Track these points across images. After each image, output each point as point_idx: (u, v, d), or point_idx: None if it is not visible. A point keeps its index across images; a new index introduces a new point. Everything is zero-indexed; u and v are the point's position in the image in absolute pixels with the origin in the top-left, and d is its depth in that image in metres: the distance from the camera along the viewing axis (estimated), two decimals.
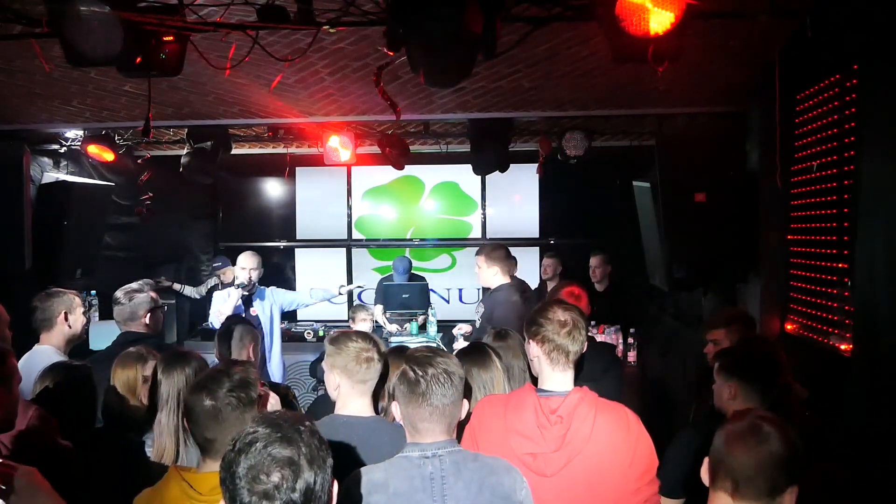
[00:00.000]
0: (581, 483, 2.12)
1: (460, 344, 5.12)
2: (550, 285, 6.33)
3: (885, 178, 2.81)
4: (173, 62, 3.01)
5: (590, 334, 3.62)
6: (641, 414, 2.25)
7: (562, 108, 4.67)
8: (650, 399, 5.06)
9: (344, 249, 8.07)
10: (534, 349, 2.30)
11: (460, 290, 7.91)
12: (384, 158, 5.69)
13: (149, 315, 3.54)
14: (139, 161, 6.34)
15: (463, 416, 2.07)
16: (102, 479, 2.30)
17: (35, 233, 4.95)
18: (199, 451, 1.98)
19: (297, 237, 8.09)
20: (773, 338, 4.06)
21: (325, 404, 2.65)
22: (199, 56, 3.05)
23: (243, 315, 5.39)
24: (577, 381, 2.33)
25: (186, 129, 5.55)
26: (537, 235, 7.81)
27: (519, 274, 6.69)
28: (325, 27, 3.00)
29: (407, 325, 6.19)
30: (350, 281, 7.98)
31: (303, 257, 8.14)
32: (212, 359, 3.18)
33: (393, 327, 6.17)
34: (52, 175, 5.52)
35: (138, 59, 2.86)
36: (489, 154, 5.50)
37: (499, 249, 4.94)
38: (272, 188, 8.11)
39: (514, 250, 7.39)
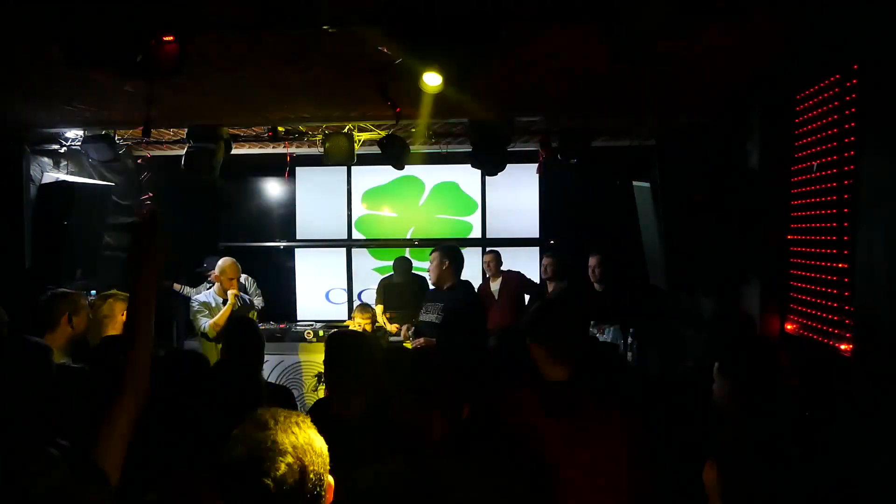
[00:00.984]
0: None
1: None
2: (550, 285, 6.34)
3: (885, 178, 2.81)
4: (173, 62, 3.01)
5: (592, 334, 3.63)
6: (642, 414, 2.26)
7: (562, 108, 4.67)
8: (649, 398, 5.05)
9: (344, 249, 8.07)
10: (534, 349, 2.31)
11: None
12: (384, 158, 5.70)
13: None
14: (139, 161, 6.34)
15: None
16: None
17: (35, 233, 4.96)
18: None
19: (297, 237, 8.09)
20: (774, 338, 4.06)
21: (325, 407, 2.65)
22: (199, 56, 3.05)
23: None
24: (579, 380, 2.34)
25: (186, 129, 5.55)
26: (537, 235, 7.81)
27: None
28: (325, 27, 2.99)
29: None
30: (350, 281, 7.97)
31: (303, 257, 8.14)
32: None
33: (393, 327, 6.17)
34: (52, 175, 5.53)
35: (138, 59, 2.86)
36: (489, 154, 5.50)
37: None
38: (272, 188, 8.12)
39: (514, 250, 7.45)
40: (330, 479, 1.41)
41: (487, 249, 6.89)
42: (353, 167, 7.64)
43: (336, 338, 2.58)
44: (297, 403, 3.46)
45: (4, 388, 2.21)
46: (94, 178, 5.93)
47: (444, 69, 2.70)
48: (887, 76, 2.81)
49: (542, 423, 2.18)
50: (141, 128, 4.21)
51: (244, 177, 7.82)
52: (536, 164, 6.24)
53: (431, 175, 7.81)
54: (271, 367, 6.06)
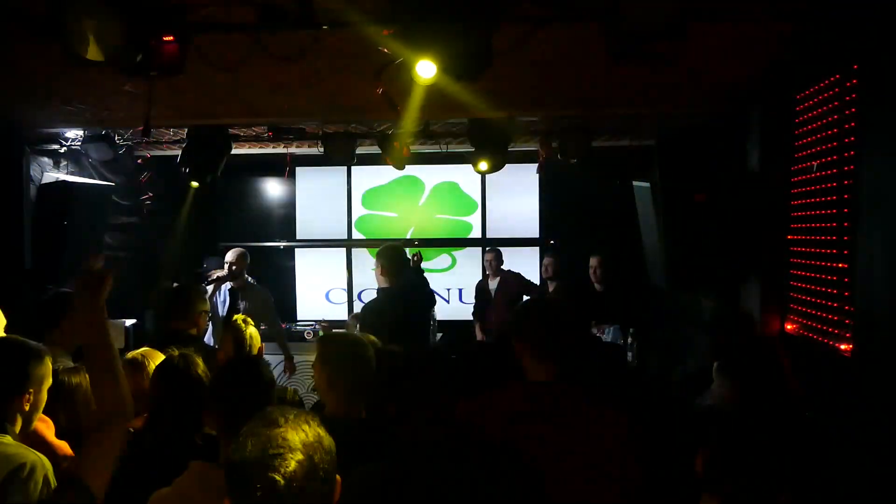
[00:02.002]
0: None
1: None
2: (550, 285, 6.34)
3: (885, 178, 2.81)
4: (173, 62, 3.01)
5: (595, 334, 3.63)
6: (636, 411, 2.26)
7: (562, 108, 4.67)
8: (649, 399, 5.05)
9: (344, 249, 8.07)
10: (519, 347, 2.32)
11: (460, 290, 7.91)
12: (384, 158, 5.70)
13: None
14: (139, 161, 6.34)
15: None
16: None
17: (35, 233, 4.95)
18: None
19: (297, 237, 8.09)
20: (774, 338, 4.06)
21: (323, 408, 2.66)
22: (200, 56, 3.05)
23: (225, 305, 5.72)
24: (580, 380, 2.34)
25: (186, 129, 5.55)
26: (537, 235, 7.81)
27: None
28: (325, 27, 3.00)
29: None
30: (350, 281, 7.98)
31: (303, 257, 8.14)
32: None
33: None
34: (52, 175, 5.52)
35: (138, 59, 2.87)
36: (489, 154, 5.50)
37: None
38: (272, 188, 8.11)
39: (514, 250, 7.45)
40: (338, 478, 1.41)
41: (547, 253, 6.88)
42: (353, 167, 7.64)
43: (328, 339, 2.59)
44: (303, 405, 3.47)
45: None
46: (94, 178, 5.92)
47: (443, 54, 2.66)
48: (887, 76, 2.81)
49: (523, 425, 2.17)
50: (141, 128, 4.21)
51: (244, 177, 7.81)
52: (536, 164, 6.24)
53: (431, 175, 7.81)
54: (271, 368, 6.05)
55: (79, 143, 5.56)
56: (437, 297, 5.11)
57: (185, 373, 2.47)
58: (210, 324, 5.62)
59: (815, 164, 3.64)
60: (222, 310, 5.69)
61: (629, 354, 5.21)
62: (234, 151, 5.81)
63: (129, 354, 3.05)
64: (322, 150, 5.74)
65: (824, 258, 3.53)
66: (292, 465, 1.29)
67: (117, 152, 5.67)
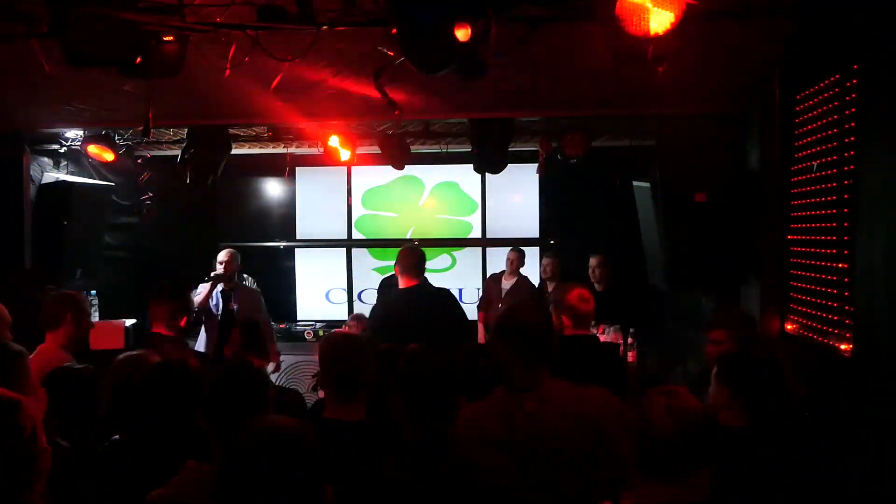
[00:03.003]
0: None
1: None
2: (550, 285, 6.34)
3: (885, 178, 2.81)
4: (173, 62, 3.02)
5: (594, 333, 3.63)
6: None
7: (562, 108, 4.67)
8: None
9: (344, 249, 8.07)
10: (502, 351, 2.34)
11: (460, 289, 7.89)
12: (384, 158, 5.69)
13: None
14: (139, 161, 6.34)
15: None
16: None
17: (35, 233, 4.96)
18: None
19: (297, 237, 8.08)
20: (773, 339, 4.06)
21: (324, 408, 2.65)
22: (199, 56, 3.05)
23: (218, 308, 5.64)
24: (581, 380, 2.34)
25: (186, 129, 5.55)
26: (537, 235, 7.81)
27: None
28: (325, 27, 2.99)
29: None
30: (350, 281, 7.98)
31: (303, 257, 8.14)
32: None
33: None
34: (52, 175, 5.53)
35: (138, 60, 2.87)
36: (489, 154, 5.50)
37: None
38: (272, 188, 8.11)
39: None
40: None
41: (546, 253, 6.85)
42: (353, 167, 7.64)
43: (330, 340, 2.59)
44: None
45: None
46: (94, 178, 5.93)
47: None
48: (887, 76, 2.81)
49: (504, 434, 2.18)
50: (141, 128, 4.21)
51: (244, 177, 7.81)
52: (536, 164, 6.24)
53: (431, 175, 7.81)
54: (271, 368, 6.06)
55: (79, 143, 5.56)
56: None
57: (180, 373, 2.46)
58: (204, 327, 5.61)
59: (815, 164, 3.64)
60: (216, 311, 5.65)
61: (629, 354, 5.22)
62: (234, 151, 5.82)
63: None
64: (321, 149, 5.74)
65: (824, 258, 3.53)
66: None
67: (117, 152, 5.66)
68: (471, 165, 5.75)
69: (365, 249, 8.02)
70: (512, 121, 5.27)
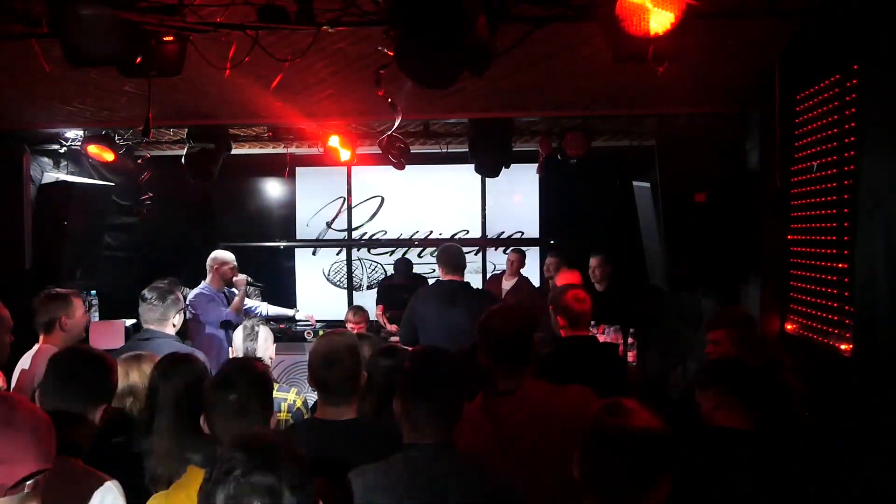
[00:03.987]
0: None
1: None
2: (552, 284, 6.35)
3: (885, 178, 2.81)
4: (173, 62, 3.01)
5: (592, 334, 3.63)
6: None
7: (562, 108, 4.67)
8: (650, 399, 5.05)
9: (344, 249, 8.07)
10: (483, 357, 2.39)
11: None
12: (384, 158, 5.69)
13: (177, 317, 3.61)
14: (139, 161, 6.34)
15: None
16: None
17: (35, 233, 4.95)
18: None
19: (297, 237, 8.08)
20: (774, 339, 4.06)
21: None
22: (199, 56, 3.05)
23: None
24: (581, 380, 2.35)
25: (186, 129, 5.55)
26: (537, 235, 7.81)
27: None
28: (325, 27, 2.99)
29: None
30: (350, 281, 7.99)
31: (303, 257, 8.14)
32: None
33: (393, 327, 6.17)
34: (52, 175, 5.53)
35: (138, 59, 2.86)
36: (489, 154, 5.50)
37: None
38: (272, 188, 8.11)
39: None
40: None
41: (550, 252, 6.86)
42: (353, 167, 7.64)
43: (318, 339, 2.60)
44: (297, 402, 3.45)
45: None
46: (94, 178, 5.92)
47: None
48: (887, 76, 2.81)
49: (482, 440, 2.19)
50: (141, 128, 4.21)
51: (244, 177, 7.81)
52: (536, 164, 6.24)
53: (431, 175, 7.80)
54: (271, 368, 6.05)
55: (79, 143, 5.55)
56: None
57: (188, 373, 2.46)
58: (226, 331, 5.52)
59: (815, 164, 3.64)
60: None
61: (629, 355, 5.22)
62: (234, 151, 5.82)
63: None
64: (321, 149, 5.74)
65: (824, 258, 3.53)
66: (263, 501, 1.30)
67: (117, 152, 5.66)
68: (470, 165, 5.74)
69: (365, 249, 8.03)
70: (512, 121, 5.27)
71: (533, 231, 7.83)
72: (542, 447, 2.22)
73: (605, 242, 6.31)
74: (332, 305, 7.98)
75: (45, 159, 5.57)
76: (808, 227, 3.76)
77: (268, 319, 5.93)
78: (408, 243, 7.93)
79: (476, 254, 7.84)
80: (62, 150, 5.65)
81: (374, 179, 7.87)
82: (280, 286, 7.79)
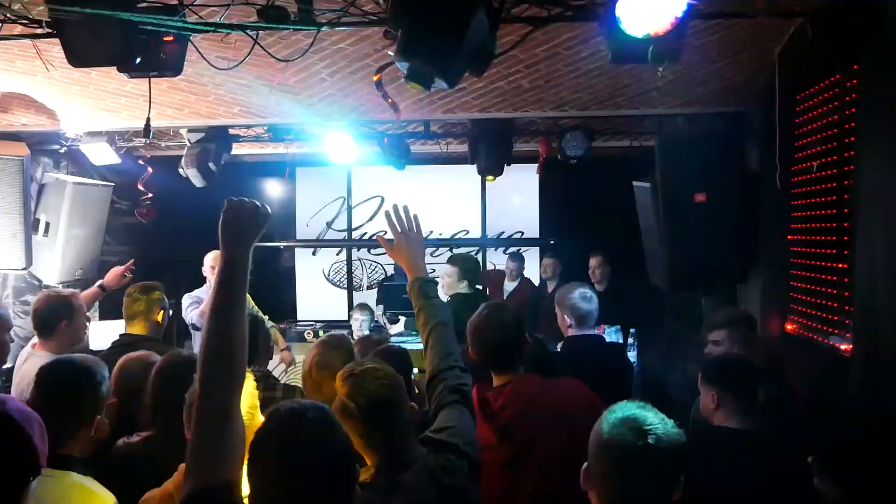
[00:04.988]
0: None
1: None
2: (551, 285, 6.34)
3: (885, 178, 2.80)
4: (173, 62, 3.01)
5: (598, 333, 3.64)
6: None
7: (562, 108, 4.67)
8: (650, 399, 5.05)
9: (344, 249, 8.07)
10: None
11: None
12: (384, 158, 5.69)
13: (160, 314, 3.58)
14: (139, 161, 6.33)
15: None
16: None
17: (35, 232, 4.95)
18: None
19: (297, 237, 8.09)
20: (774, 339, 4.06)
21: None
22: (199, 56, 3.05)
23: None
24: (588, 381, 2.37)
25: (186, 129, 5.54)
26: (537, 235, 7.81)
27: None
28: (325, 27, 2.99)
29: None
30: (350, 281, 7.98)
31: (303, 257, 8.14)
32: None
33: (393, 328, 6.18)
34: (52, 175, 5.52)
35: (138, 59, 2.86)
36: (490, 155, 5.50)
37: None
38: (272, 188, 8.11)
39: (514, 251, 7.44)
40: None
41: (546, 253, 6.82)
42: (353, 167, 7.64)
43: (321, 344, 2.62)
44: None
45: None
46: (94, 178, 5.92)
47: None
48: (887, 76, 2.81)
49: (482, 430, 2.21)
50: (141, 128, 4.21)
51: (244, 177, 7.81)
52: (537, 164, 6.24)
53: (431, 175, 7.81)
54: (271, 368, 6.05)
55: (79, 143, 5.55)
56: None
57: (184, 373, 2.45)
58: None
59: (815, 164, 3.64)
60: None
61: (629, 355, 5.22)
62: (234, 151, 5.82)
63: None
64: (321, 149, 5.73)
65: (824, 258, 3.53)
66: None
67: (117, 152, 5.65)
68: (470, 166, 5.74)
69: (365, 249, 8.03)
70: (512, 121, 5.27)
71: (533, 231, 7.83)
72: (537, 438, 2.25)
73: (605, 242, 6.31)
74: (332, 305, 7.99)
75: (46, 159, 5.57)
76: (808, 227, 3.76)
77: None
78: None
79: (476, 254, 7.83)
80: (62, 150, 5.64)
81: (374, 179, 7.87)
82: (280, 286, 7.80)
